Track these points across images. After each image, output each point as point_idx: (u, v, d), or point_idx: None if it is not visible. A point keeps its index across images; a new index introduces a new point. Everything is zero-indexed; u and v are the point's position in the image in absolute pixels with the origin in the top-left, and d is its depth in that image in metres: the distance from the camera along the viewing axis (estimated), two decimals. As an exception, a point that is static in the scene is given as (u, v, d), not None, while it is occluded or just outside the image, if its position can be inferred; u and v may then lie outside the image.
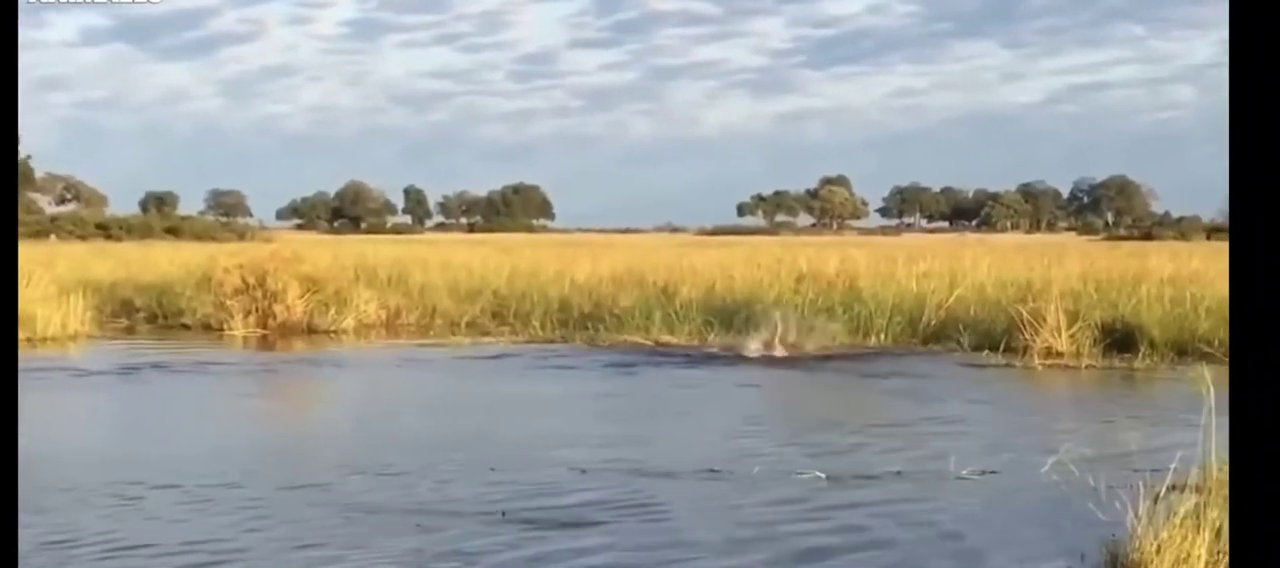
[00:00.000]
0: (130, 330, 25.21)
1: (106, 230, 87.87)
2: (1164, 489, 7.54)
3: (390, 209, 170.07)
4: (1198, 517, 7.07)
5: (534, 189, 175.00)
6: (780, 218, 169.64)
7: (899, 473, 10.46)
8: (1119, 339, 20.00)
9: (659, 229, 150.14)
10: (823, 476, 10.27)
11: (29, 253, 28.37)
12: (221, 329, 24.66)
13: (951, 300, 23.30)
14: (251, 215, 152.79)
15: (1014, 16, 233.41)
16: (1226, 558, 6.89)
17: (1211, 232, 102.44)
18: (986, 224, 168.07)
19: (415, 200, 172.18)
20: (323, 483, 9.90)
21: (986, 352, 20.07)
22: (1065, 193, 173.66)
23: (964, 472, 10.36)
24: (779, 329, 20.88)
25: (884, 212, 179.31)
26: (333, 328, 24.76)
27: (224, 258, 27.09)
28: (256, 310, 25.10)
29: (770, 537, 8.35)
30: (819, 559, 7.88)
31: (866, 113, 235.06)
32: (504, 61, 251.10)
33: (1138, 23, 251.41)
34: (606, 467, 10.68)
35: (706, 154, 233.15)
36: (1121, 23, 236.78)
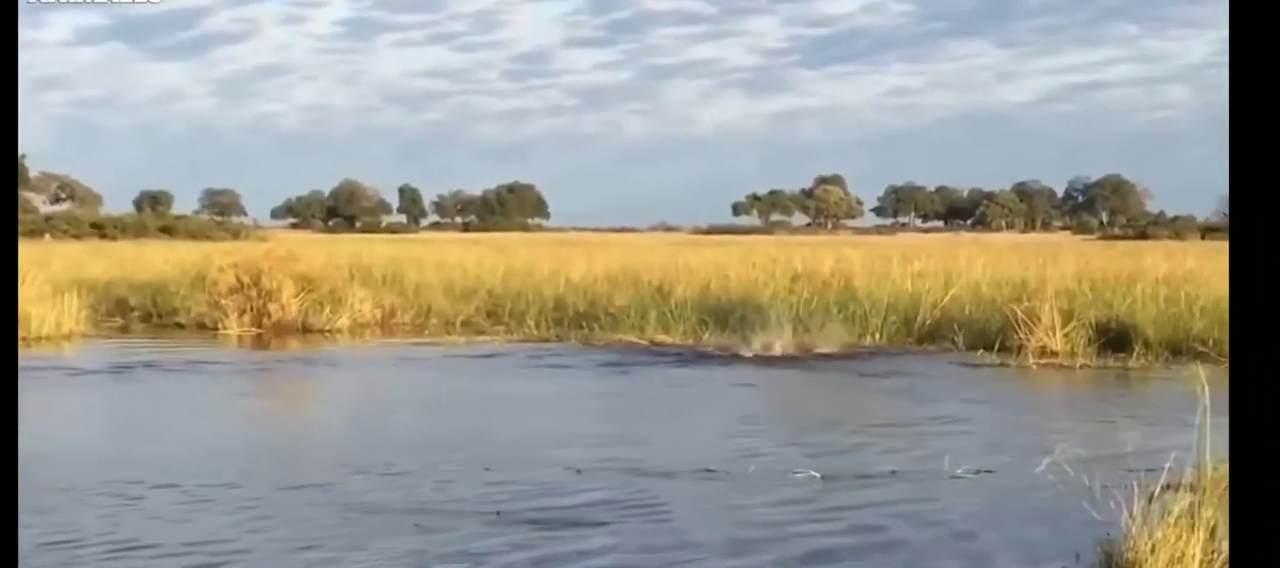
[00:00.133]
0: (125, 330, 25.19)
1: (101, 230, 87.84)
2: (1158, 489, 7.54)
3: (385, 208, 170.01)
4: (1192, 516, 7.08)
5: (529, 188, 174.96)
6: (775, 217, 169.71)
7: (894, 473, 10.47)
8: (1114, 339, 20.02)
9: (654, 228, 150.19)
10: (818, 475, 10.27)
11: (24, 252, 28.29)
12: (216, 328, 24.65)
13: (946, 300, 23.32)
14: (246, 215, 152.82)
15: (1009, 16, 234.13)
16: (1220, 557, 6.91)
17: (1206, 231, 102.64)
18: (981, 223, 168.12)
19: (410, 199, 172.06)
20: (321, 483, 9.90)
21: (981, 351, 20.09)
22: (1060, 192, 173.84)
23: (959, 471, 10.37)
24: (774, 329, 20.89)
25: (879, 211, 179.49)
26: (327, 327, 24.75)
27: (219, 257, 27.08)
28: (251, 310, 25.09)
29: (770, 538, 8.35)
30: (817, 560, 7.88)
31: (861, 112, 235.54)
32: (498, 61, 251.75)
33: (1133, 22, 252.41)
34: (604, 467, 10.68)
35: (701, 153, 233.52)
36: (1117, 22, 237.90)
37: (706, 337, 22.04)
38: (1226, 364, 15.23)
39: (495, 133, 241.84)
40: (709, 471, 10.48)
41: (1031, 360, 19.21)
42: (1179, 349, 19.31)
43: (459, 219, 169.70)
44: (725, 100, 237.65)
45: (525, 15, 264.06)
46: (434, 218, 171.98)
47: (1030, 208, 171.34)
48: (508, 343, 22.49)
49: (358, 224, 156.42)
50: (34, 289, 23.03)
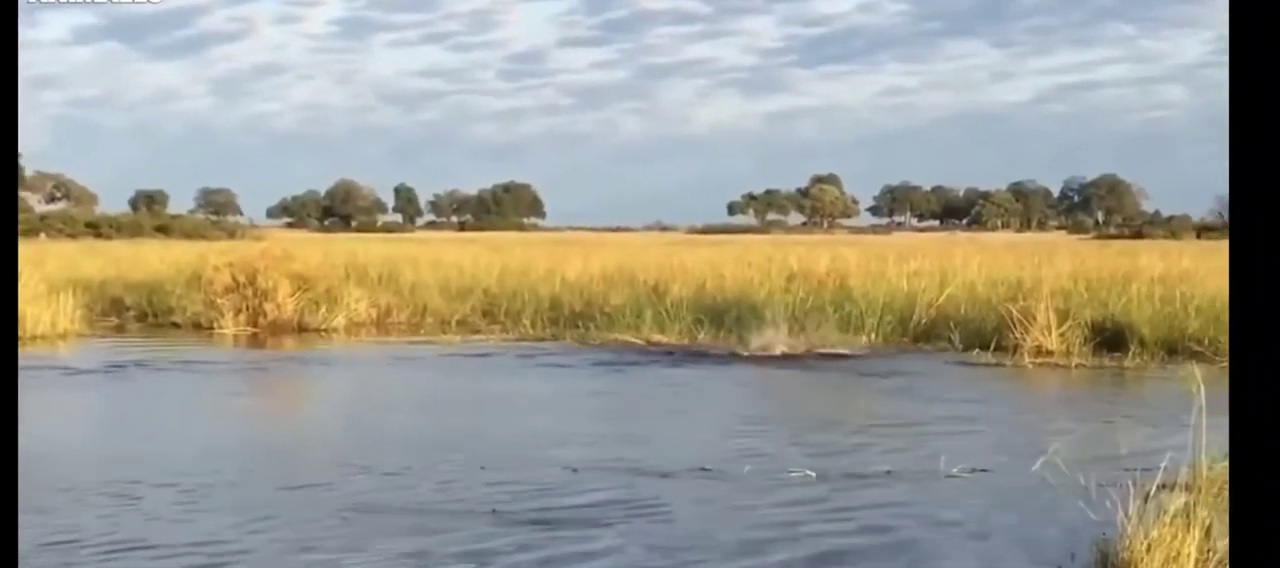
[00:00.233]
0: (120, 329, 25.18)
1: (96, 229, 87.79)
2: (1154, 488, 7.55)
3: (381, 208, 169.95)
4: (1188, 515, 7.09)
5: (525, 188, 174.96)
6: (771, 217, 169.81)
7: (890, 472, 10.47)
8: (1109, 338, 20.03)
9: (650, 228, 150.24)
10: (813, 474, 10.27)
11: (19, 251, 28.29)
12: (212, 328, 24.63)
13: (942, 299, 23.32)
14: (242, 214, 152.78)
15: (1004, 16, 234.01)
16: (1216, 557, 6.92)
17: (1201, 230, 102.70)
18: (977, 223, 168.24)
19: (406, 199, 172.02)
20: (319, 483, 9.88)
21: (977, 350, 20.11)
22: (1056, 192, 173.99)
23: (954, 470, 10.37)
24: (770, 328, 20.89)
25: (875, 210, 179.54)
26: (323, 326, 24.73)
27: (214, 256, 27.05)
28: (247, 309, 25.07)
29: (773, 538, 8.35)
30: (823, 561, 7.88)
31: (857, 111, 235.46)
32: (494, 60, 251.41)
33: (1128, 22, 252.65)
34: (605, 466, 10.67)
35: (697, 153, 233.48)
36: (1112, 22, 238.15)
37: (702, 336, 22.04)
38: (1222, 364, 15.29)
39: (491, 132, 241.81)
40: (704, 469, 10.47)
41: (1027, 360, 19.22)
42: (1174, 349, 19.32)
43: (455, 219, 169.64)
44: (721, 100, 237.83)
45: (520, 15, 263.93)
46: (430, 217, 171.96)
47: (1026, 207, 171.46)
48: (503, 342, 22.49)
49: (353, 223, 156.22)
50: (29, 289, 22.99)
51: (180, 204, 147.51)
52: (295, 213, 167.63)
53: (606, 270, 30.04)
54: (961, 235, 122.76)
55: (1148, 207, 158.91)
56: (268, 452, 12.01)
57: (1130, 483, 7.37)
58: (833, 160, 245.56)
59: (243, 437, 13.13)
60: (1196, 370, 7.97)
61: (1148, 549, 7.02)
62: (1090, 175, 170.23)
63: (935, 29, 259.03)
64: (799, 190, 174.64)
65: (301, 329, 24.61)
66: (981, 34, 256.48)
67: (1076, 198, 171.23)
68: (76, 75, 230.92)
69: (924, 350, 20.84)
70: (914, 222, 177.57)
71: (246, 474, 10.29)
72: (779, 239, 76.69)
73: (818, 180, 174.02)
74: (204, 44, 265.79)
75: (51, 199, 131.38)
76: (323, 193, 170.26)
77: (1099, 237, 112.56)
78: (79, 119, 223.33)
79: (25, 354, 19.18)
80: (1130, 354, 19.27)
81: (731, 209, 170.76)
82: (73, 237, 77.91)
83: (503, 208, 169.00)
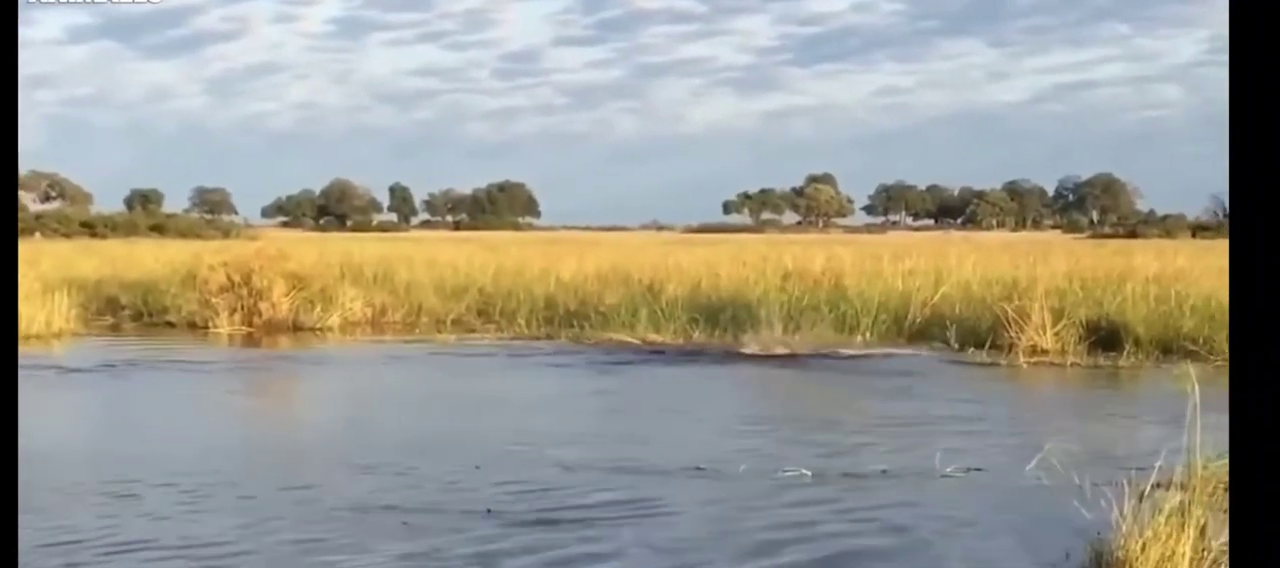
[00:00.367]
0: (115, 328, 25.15)
1: (91, 228, 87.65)
2: (1149, 487, 7.56)
3: (376, 207, 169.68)
4: (1182, 514, 7.10)
5: (519, 187, 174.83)
6: (766, 216, 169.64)
7: (885, 471, 10.47)
8: (1104, 337, 20.05)
9: (645, 227, 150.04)
10: (808, 474, 10.27)
11: (13, 250, 28.24)
12: (207, 327, 24.61)
13: (937, 298, 23.33)
14: (237, 213, 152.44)
15: (1000, 15, 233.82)
16: (1210, 556, 6.93)
17: (1197, 229, 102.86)
18: (972, 222, 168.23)
19: (401, 198, 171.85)
20: (321, 483, 9.86)
21: (972, 349, 20.11)
22: (1051, 191, 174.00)
23: (949, 470, 10.38)
24: (765, 327, 20.90)
25: (870, 209, 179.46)
26: (318, 325, 24.73)
27: (209, 255, 27.02)
28: (242, 308, 25.05)
29: (776, 540, 8.36)
30: (817, 560, 7.90)
31: (852, 111, 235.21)
32: (489, 59, 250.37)
33: (1124, 21, 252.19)
34: (603, 466, 10.66)
35: (692, 152, 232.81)
36: (1107, 22, 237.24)
37: (697, 335, 22.04)
38: (1216, 363, 15.33)
39: (486, 132, 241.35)
40: (707, 470, 10.48)
41: (1022, 359, 19.23)
42: (1169, 348, 19.36)
43: (450, 218, 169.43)
44: (716, 99, 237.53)
45: (515, 14, 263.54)
46: (425, 217, 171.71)
47: (1021, 207, 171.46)
48: (498, 341, 22.50)
49: (348, 223, 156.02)
50: (24, 288, 22.93)
51: (175, 203, 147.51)
52: (290, 212, 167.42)
53: (601, 270, 30.05)
54: (956, 235, 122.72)
55: (1143, 206, 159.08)
56: (267, 452, 12.00)
57: (1125, 482, 7.38)
58: (828, 159, 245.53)
59: (241, 436, 13.13)
60: (1191, 370, 7.97)
61: (1142, 548, 7.02)
62: (1085, 175, 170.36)
63: (931, 28, 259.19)
64: (794, 190, 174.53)
65: (296, 328, 24.59)
66: (977, 33, 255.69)
67: (1072, 197, 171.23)
68: (71, 74, 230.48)
69: (919, 350, 20.83)
70: (909, 221, 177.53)
71: (246, 474, 10.27)
72: (774, 238, 76.70)
73: (813, 180, 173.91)
74: (199, 43, 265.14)
75: (46, 198, 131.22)
76: (318, 192, 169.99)
77: (1094, 236, 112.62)
78: (74, 118, 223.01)
79: (21, 353, 19.16)
80: (1125, 354, 19.28)
81: (726, 208, 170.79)
82: (68, 236, 77.81)
83: (498, 207, 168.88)
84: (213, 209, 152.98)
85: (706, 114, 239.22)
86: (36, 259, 30.92)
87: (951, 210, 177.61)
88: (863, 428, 13.18)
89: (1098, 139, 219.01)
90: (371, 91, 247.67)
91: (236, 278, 25.26)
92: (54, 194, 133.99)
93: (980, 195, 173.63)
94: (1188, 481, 7.71)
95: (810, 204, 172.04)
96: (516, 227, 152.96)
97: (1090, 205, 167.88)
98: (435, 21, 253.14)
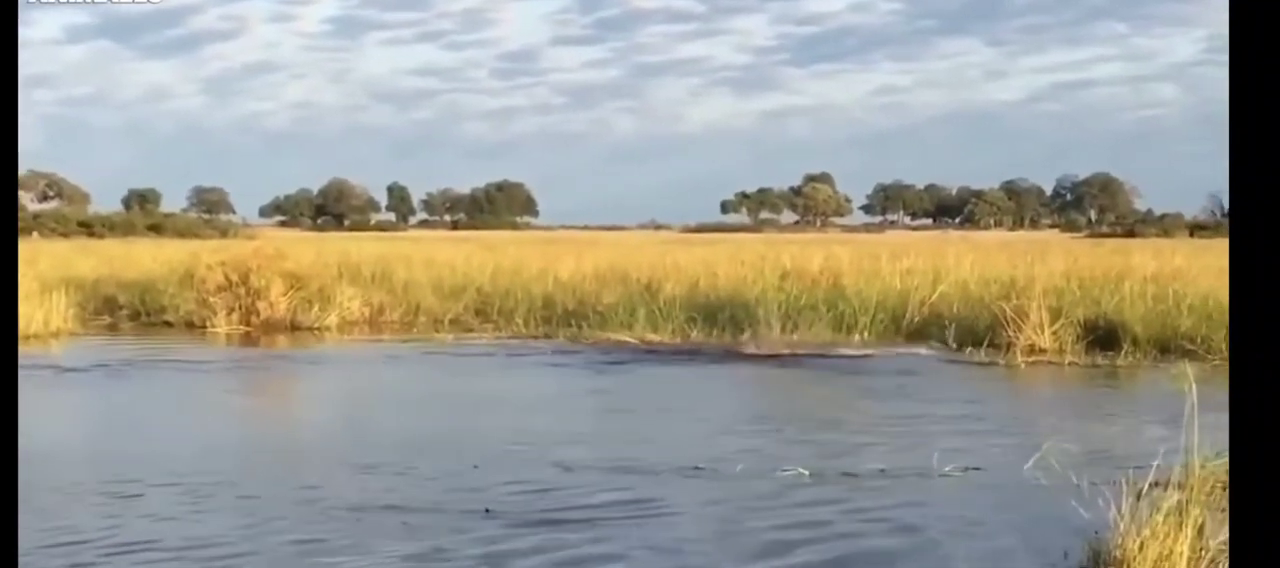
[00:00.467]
0: (113, 328, 25.14)
1: (89, 228, 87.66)
2: (1147, 486, 7.56)
3: (374, 206, 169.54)
4: (1180, 514, 7.10)
5: (518, 186, 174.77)
6: (764, 215, 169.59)
7: (884, 471, 10.48)
8: (1102, 337, 20.07)
9: (643, 226, 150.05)
10: (806, 473, 10.28)
11: (11, 250, 28.23)
12: (205, 327, 24.60)
13: (935, 297, 23.36)
14: (234, 212, 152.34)
15: (997, 14, 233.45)
16: (1208, 555, 6.93)
17: (1194, 229, 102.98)
18: (970, 221, 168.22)
19: (399, 198, 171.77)
20: (322, 483, 9.85)
21: (970, 349, 20.11)
22: (1049, 190, 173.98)
23: (947, 469, 10.38)
24: (763, 326, 20.90)
25: (868, 209, 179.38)
26: (316, 325, 24.72)
27: (207, 255, 27.03)
28: (240, 308, 25.05)
29: (772, 541, 8.36)
30: (816, 562, 7.90)
31: (850, 110, 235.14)
32: (487, 59, 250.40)
33: (1120, 20, 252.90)
34: (605, 466, 10.66)
35: (690, 151, 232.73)
36: (1104, 21, 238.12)
37: (695, 335, 22.04)
38: (1214, 362, 15.33)
39: (484, 131, 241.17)
40: (709, 470, 10.48)
41: (1020, 358, 19.24)
42: (1167, 347, 19.37)
43: (448, 217, 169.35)
44: (714, 98, 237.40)
45: (513, 13, 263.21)
46: (423, 216, 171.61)
47: (1018, 206, 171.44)
48: (496, 341, 22.50)
49: (346, 222, 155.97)
50: (22, 287, 22.88)
51: (173, 203, 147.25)
52: (288, 212, 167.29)
53: (599, 269, 30.06)
54: (954, 234, 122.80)
55: (1140, 205, 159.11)
56: (266, 452, 11.99)
57: (1123, 481, 7.39)
58: (826, 159, 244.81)
59: (241, 436, 13.13)
60: (1189, 369, 7.98)
61: (1140, 547, 7.03)
62: (1083, 174, 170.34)
63: (928, 28, 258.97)
64: (792, 189, 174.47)
65: (294, 328, 24.59)
66: (974, 33, 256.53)
67: (1069, 196, 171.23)
68: (69, 74, 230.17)
69: (917, 349, 20.82)
70: (907, 220, 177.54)
71: (246, 474, 10.26)
72: (772, 238, 76.73)
73: (811, 179, 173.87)
74: (197, 43, 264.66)
75: (44, 198, 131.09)
76: (315, 192, 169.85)
77: (1092, 235, 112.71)
78: (72, 118, 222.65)
79: (19, 353, 19.17)
80: (1123, 353, 19.30)
81: (724, 208, 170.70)
82: (65, 235, 77.85)
83: (496, 207, 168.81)
84: (210, 209, 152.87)
85: (704, 114, 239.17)
86: (34, 259, 30.91)
87: (949, 210, 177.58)
88: (861, 427, 13.19)
89: (1095, 138, 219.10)
90: (369, 91, 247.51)
91: (234, 277, 25.26)
92: (52, 194, 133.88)
93: (978, 195, 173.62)
94: (1185, 480, 7.72)
95: (808, 204, 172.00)
96: (515, 226, 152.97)
97: (1088, 205, 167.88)
98: (433, 21, 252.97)
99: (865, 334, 21.91)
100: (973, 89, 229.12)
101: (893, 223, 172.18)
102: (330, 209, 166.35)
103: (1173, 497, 7.28)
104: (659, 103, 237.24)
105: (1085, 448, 11.00)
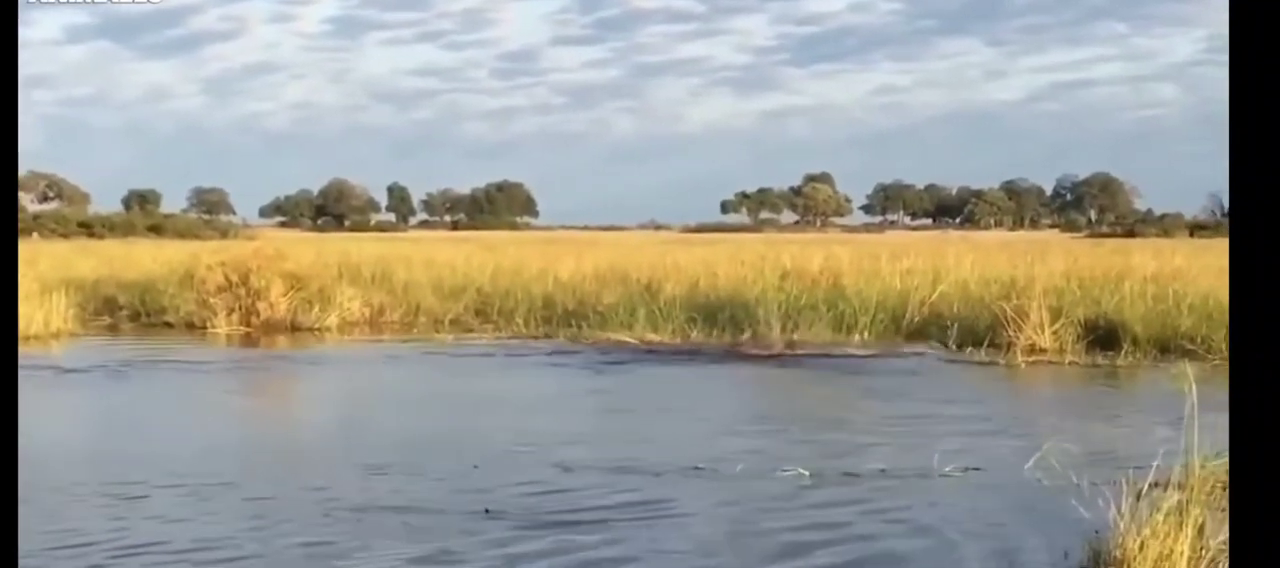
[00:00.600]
0: (113, 328, 25.14)
1: (89, 228, 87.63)
2: (1147, 486, 7.56)
3: (373, 207, 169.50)
4: (1180, 514, 7.10)
5: (518, 187, 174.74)
6: (764, 215, 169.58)
7: (884, 471, 10.48)
8: (1102, 336, 20.07)
9: (643, 227, 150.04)
10: (806, 473, 10.28)
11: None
12: (205, 327, 24.60)
13: (935, 297, 23.37)
14: (234, 213, 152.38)
15: (997, 14, 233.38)
16: (1208, 555, 6.94)
17: (1194, 228, 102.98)
18: (970, 221, 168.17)
19: (399, 198, 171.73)
20: (326, 484, 9.84)
21: (970, 349, 20.11)
22: (1049, 190, 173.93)
23: (948, 469, 10.38)
24: (763, 326, 20.90)
25: (868, 209, 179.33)
26: (316, 326, 24.72)
27: (207, 256, 27.02)
28: (240, 308, 25.05)
29: (778, 542, 8.37)
30: (806, 555, 7.90)
31: (850, 110, 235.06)
32: (487, 59, 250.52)
33: (1120, 20, 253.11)
34: (609, 467, 10.65)
35: (690, 152, 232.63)
36: (1104, 20, 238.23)
37: (695, 335, 22.03)
38: (1214, 362, 15.34)
39: (484, 131, 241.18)
40: (712, 470, 10.48)
41: (1020, 358, 19.24)
42: (1167, 347, 19.37)
43: (448, 218, 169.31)
44: (714, 99, 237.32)
45: (513, 13, 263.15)
46: (423, 217, 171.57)
47: (1019, 206, 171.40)
48: (496, 341, 22.50)
49: (346, 223, 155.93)
50: (22, 288, 22.88)
51: (173, 203, 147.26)
52: (288, 212, 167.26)
53: (599, 269, 30.07)
54: (954, 234, 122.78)
55: (1140, 205, 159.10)
56: (267, 452, 12.00)
57: (1123, 481, 7.39)
58: (826, 159, 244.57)
59: (243, 437, 13.14)
60: (1189, 369, 7.99)
61: (1140, 547, 7.03)
62: (1083, 174, 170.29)
63: (928, 28, 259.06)
64: (792, 189, 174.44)
65: (294, 329, 24.59)
66: (974, 32, 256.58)
67: (1069, 196, 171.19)
68: (69, 74, 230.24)
69: (917, 349, 20.84)
70: (907, 220, 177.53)
71: (247, 475, 10.27)
72: (772, 238, 76.74)
73: (811, 179, 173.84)
74: (196, 43, 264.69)
75: (44, 198, 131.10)
76: (315, 192, 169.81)
77: (1092, 235, 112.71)
78: (71, 118, 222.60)
79: (19, 354, 19.16)
80: (1123, 353, 19.30)
81: (724, 208, 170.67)
82: (65, 236, 77.80)
83: (496, 207, 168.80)
84: (210, 209, 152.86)
85: (704, 114, 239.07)
86: (34, 259, 30.92)
87: (949, 210, 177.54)
88: (862, 428, 13.19)
89: (1095, 138, 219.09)
90: (369, 91, 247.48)
91: (234, 278, 25.26)
92: (52, 194, 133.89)
93: (978, 195, 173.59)
94: (1186, 480, 7.72)
95: (808, 204, 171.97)
96: (514, 226, 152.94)
97: (1088, 204, 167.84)
98: (433, 21, 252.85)
99: (865, 334, 21.92)
100: (973, 89, 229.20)
101: (893, 223, 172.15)
102: (330, 210, 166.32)
103: (1173, 497, 7.29)
104: (659, 103, 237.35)
105: (1085, 448, 11.00)
